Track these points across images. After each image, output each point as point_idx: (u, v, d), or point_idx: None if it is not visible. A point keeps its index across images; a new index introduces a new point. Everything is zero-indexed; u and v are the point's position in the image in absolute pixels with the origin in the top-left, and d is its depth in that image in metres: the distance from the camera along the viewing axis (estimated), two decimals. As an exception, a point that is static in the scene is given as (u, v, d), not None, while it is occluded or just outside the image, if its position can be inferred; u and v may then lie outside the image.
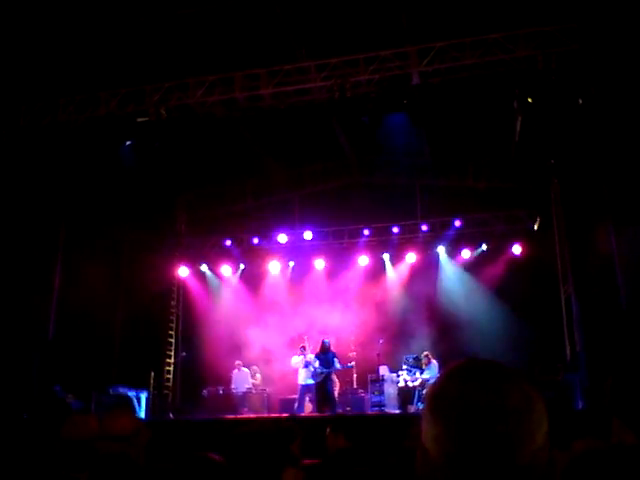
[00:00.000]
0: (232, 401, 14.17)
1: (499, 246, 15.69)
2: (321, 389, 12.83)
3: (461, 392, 1.06)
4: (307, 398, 13.30)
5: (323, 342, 13.26)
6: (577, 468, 1.18)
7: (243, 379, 14.57)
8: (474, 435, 1.01)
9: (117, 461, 2.55)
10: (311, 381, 13.16)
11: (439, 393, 1.09)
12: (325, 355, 13.07)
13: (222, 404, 14.11)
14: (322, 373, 12.85)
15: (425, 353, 13.43)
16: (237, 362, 14.83)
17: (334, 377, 13.22)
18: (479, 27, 10.43)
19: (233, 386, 14.52)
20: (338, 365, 13.08)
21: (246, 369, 14.79)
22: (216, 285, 17.65)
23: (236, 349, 15.48)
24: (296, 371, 13.73)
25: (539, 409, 1.06)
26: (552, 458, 1.08)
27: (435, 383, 1.13)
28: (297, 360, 13.68)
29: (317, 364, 13.00)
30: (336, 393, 13.22)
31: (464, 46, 10.58)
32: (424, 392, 12.56)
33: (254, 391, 14.58)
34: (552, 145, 12.20)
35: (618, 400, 1.76)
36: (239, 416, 13.25)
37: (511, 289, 14.62)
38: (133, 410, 12.76)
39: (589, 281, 12.42)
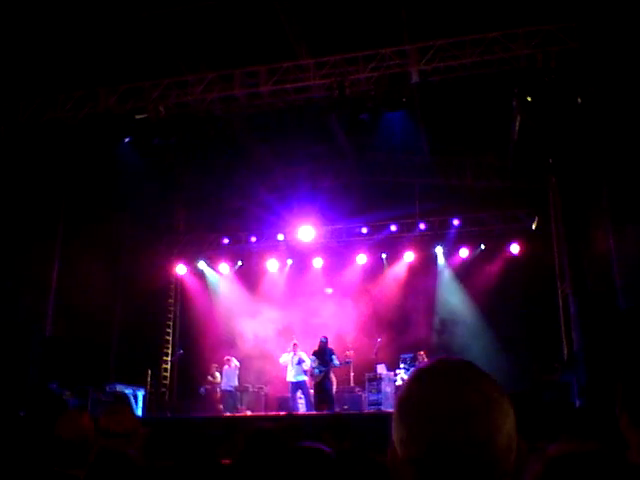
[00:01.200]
0: (230, 399, 14.12)
1: (497, 245, 15.70)
2: (320, 387, 12.79)
3: (423, 395, 1.07)
4: (298, 394, 13.24)
5: (321, 340, 13.22)
6: (552, 472, 1.16)
7: (232, 376, 14.31)
8: (435, 438, 1.03)
9: (115, 459, 2.54)
10: (301, 378, 13.09)
11: (404, 396, 1.11)
12: (323, 353, 13.04)
13: (219, 402, 14.10)
14: (321, 372, 12.82)
15: (420, 352, 13.43)
16: (226, 357, 14.56)
17: (332, 375, 13.20)
18: (479, 25, 10.41)
19: (222, 382, 14.31)
20: (337, 362, 13.05)
21: (237, 362, 14.50)
22: (214, 283, 17.64)
23: (233, 347, 15.46)
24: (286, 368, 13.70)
25: (501, 408, 1.06)
26: (523, 456, 1.08)
27: (402, 386, 1.14)
28: (286, 358, 13.54)
29: (316, 362, 12.96)
30: (333, 391, 13.18)
31: (464, 44, 10.57)
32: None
33: (251, 389, 14.55)
34: (551, 144, 12.18)
35: (627, 404, 1.76)
36: (237, 414, 13.25)
37: (509, 288, 14.63)
38: (131, 408, 12.75)
39: (587, 280, 12.42)
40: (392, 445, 1.11)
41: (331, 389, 12.94)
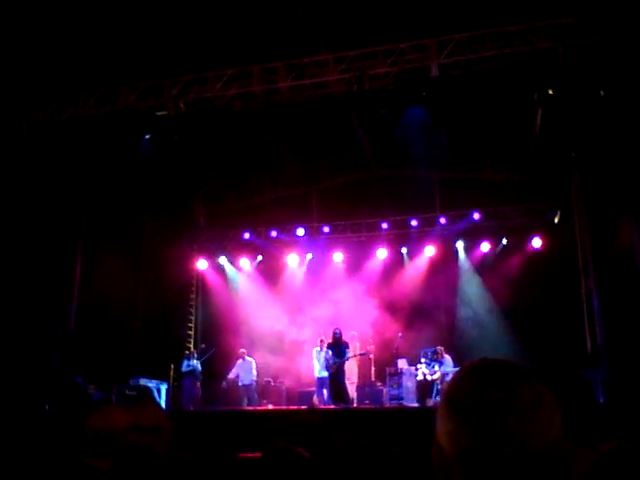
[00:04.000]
0: (247, 393, 14.17)
1: (519, 239, 15.56)
2: (334, 381, 12.77)
3: (474, 389, 1.10)
4: (324, 391, 13.27)
5: (334, 332, 13.17)
6: (605, 467, 1.18)
7: (247, 369, 14.30)
8: (486, 430, 1.05)
9: (139, 452, 2.58)
10: (325, 374, 13.12)
11: (453, 391, 1.14)
12: (338, 345, 13.01)
13: (240, 396, 14.18)
14: (335, 363, 12.79)
15: (439, 347, 13.39)
16: (242, 350, 14.57)
17: (346, 368, 13.13)
18: (499, 19, 10.32)
19: (232, 376, 14.30)
20: (349, 354, 13.03)
21: (250, 358, 14.49)
22: (234, 278, 17.73)
23: (254, 341, 15.54)
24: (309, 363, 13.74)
25: (550, 405, 1.09)
26: (568, 454, 1.10)
27: (450, 381, 1.17)
28: (315, 353, 13.61)
29: (330, 354, 12.93)
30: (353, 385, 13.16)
31: (484, 38, 10.48)
32: (442, 386, 12.55)
33: (273, 383, 14.63)
34: (573, 137, 12.08)
35: None
36: (258, 408, 13.33)
37: (531, 283, 14.50)
38: (158, 402, 12.89)
39: (610, 274, 12.30)
40: (436, 438, 1.14)
41: (345, 382, 12.92)
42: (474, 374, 1.13)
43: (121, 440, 2.85)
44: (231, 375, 14.30)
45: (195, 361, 14.39)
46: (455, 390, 1.13)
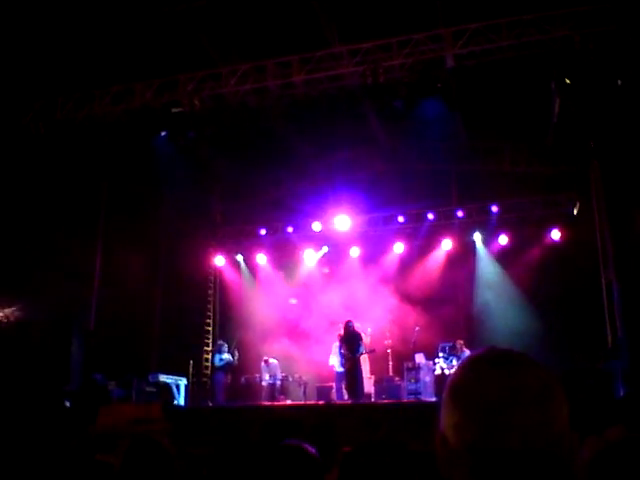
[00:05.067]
0: (269, 389, 14.26)
1: (537, 231, 15.41)
2: (350, 376, 12.46)
3: (480, 380, 1.07)
4: (342, 385, 13.21)
5: (347, 324, 12.84)
6: (608, 455, 1.16)
7: (272, 372, 14.40)
8: (493, 422, 1.03)
9: (148, 446, 2.58)
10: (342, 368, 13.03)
11: (458, 382, 1.11)
12: (351, 338, 12.65)
13: (260, 391, 14.24)
14: (349, 359, 12.50)
15: (459, 341, 13.31)
16: (265, 358, 14.59)
17: (362, 362, 12.89)
18: (514, 7, 10.20)
19: (263, 377, 14.44)
20: (362, 349, 12.71)
21: (274, 360, 14.60)
22: (252, 274, 17.77)
23: (272, 337, 15.57)
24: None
25: (557, 396, 1.07)
26: (574, 445, 1.08)
27: (455, 372, 1.15)
28: (335, 348, 13.58)
29: (344, 349, 12.62)
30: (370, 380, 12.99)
31: (499, 27, 10.36)
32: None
33: (291, 379, 14.66)
34: (591, 127, 11.89)
35: None
36: (276, 403, 13.36)
37: (550, 275, 14.35)
38: (171, 398, 12.98)
39: (630, 266, 12.13)
40: (440, 432, 1.12)
41: (361, 378, 12.58)
42: (479, 365, 1.11)
43: (123, 433, 2.87)
44: (263, 377, 14.41)
45: (226, 355, 14.31)
46: (460, 381, 1.11)
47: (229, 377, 14.44)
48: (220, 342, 15.15)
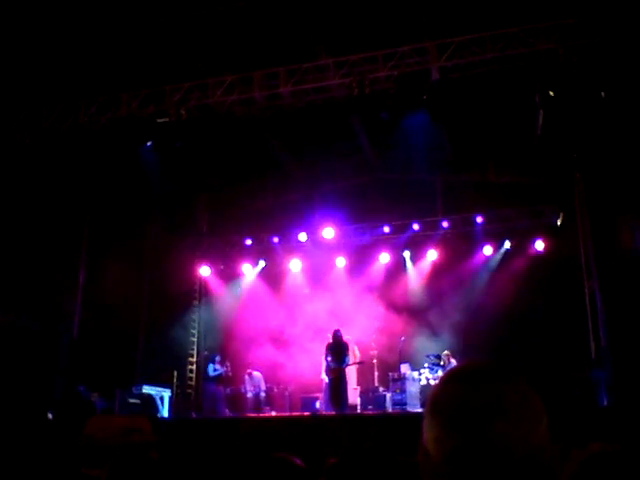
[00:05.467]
0: (254, 400, 14.21)
1: (522, 242, 15.51)
2: (334, 385, 12.39)
3: (459, 394, 1.10)
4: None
5: (335, 333, 12.81)
6: (589, 468, 1.18)
7: (255, 384, 14.41)
8: (472, 434, 1.05)
9: (134, 458, 2.56)
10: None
11: (438, 396, 1.14)
12: (339, 348, 12.61)
13: (244, 403, 14.18)
14: (335, 369, 12.44)
15: (446, 352, 13.34)
16: (248, 370, 14.60)
17: (348, 373, 12.86)
18: (498, 21, 10.33)
19: (247, 389, 14.44)
20: (348, 360, 12.69)
21: (257, 373, 14.59)
22: (237, 284, 17.71)
23: (257, 347, 15.51)
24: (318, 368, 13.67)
25: (535, 408, 1.09)
26: (554, 457, 1.10)
27: (435, 386, 1.17)
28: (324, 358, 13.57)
29: (330, 358, 12.57)
30: (356, 391, 12.94)
31: (484, 40, 10.48)
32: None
33: (276, 389, 14.62)
34: (575, 139, 12.04)
35: None
36: (261, 415, 13.30)
37: (534, 285, 14.45)
38: (155, 409, 12.88)
39: (614, 276, 12.25)
40: (423, 444, 1.14)
41: (345, 389, 12.49)
42: (458, 378, 1.13)
43: (112, 444, 2.84)
44: (247, 389, 14.39)
45: (219, 365, 14.22)
46: (440, 395, 1.13)
47: (221, 389, 14.32)
48: (208, 353, 15.08)
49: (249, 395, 14.29)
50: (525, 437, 1.05)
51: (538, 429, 1.07)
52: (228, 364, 14.37)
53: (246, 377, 14.50)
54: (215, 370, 14.16)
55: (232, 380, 14.78)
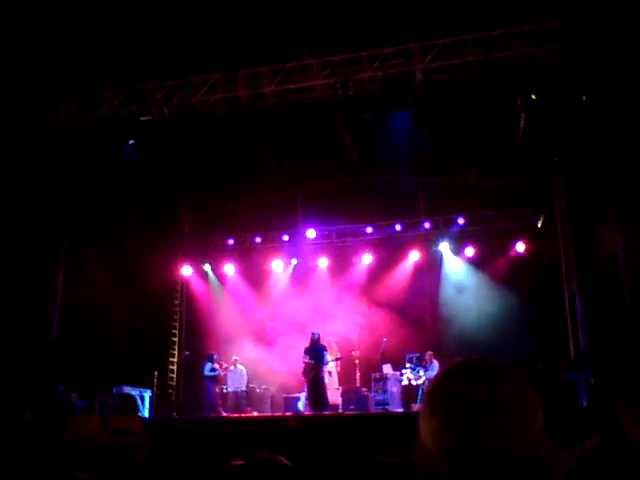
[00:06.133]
0: (234, 398, 14.14)
1: (503, 244, 15.64)
2: (311, 387, 12.61)
3: (457, 388, 1.10)
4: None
5: (312, 335, 13.03)
6: (587, 464, 1.18)
7: (238, 378, 14.33)
8: (471, 428, 1.06)
9: (120, 460, 2.54)
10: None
11: (436, 390, 1.14)
12: (315, 348, 12.85)
13: (225, 403, 14.11)
14: (312, 369, 12.62)
15: (428, 353, 13.41)
16: (234, 358, 14.54)
17: (325, 373, 12.96)
18: (482, 24, 10.39)
19: (229, 384, 14.34)
20: (329, 358, 12.91)
21: (242, 366, 14.50)
22: (219, 284, 17.65)
23: (239, 347, 15.47)
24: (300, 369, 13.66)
25: (532, 402, 1.10)
26: (550, 451, 1.11)
27: (432, 381, 1.18)
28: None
29: (307, 359, 12.78)
30: (328, 390, 12.98)
31: (467, 43, 10.54)
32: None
33: (258, 389, 14.58)
34: (556, 142, 12.17)
35: (631, 401, 1.77)
36: (243, 415, 13.26)
37: (515, 287, 14.58)
38: (136, 410, 12.79)
39: (593, 278, 12.39)
40: (420, 440, 1.14)
41: (324, 389, 12.67)
42: (456, 373, 1.14)
43: (97, 447, 2.81)
44: (229, 384, 14.28)
45: (217, 365, 14.03)
46: (438, 389, 1.14)
47: (217, 389, 14.15)
48: (189, 353, 14.97)
49: (229, 391, 14.17)
50: (523, 430, 1.06)
51: (535, 423, 1.08)
52: (224, 365, 14.26)
53: (230, 369, 14.37)
54: (213, 370, 13.96)
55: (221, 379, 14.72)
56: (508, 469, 1.04)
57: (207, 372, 13.97)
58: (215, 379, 13.96)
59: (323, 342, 13.20)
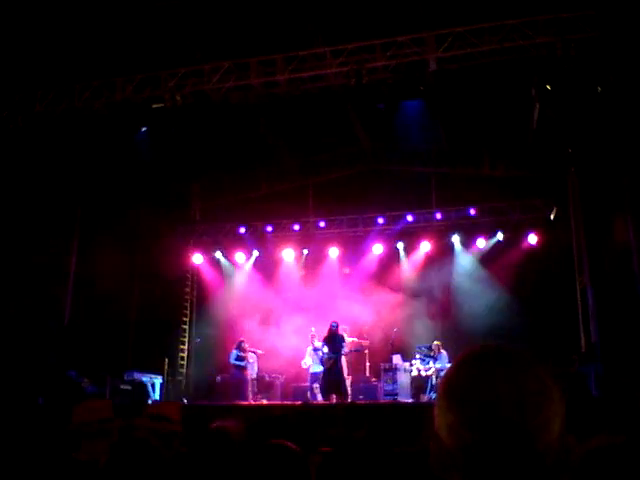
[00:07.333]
0: (245, 388, 14.18)
1: (515, 235, 15.56)
2: (329, 375, 12.55)
3: (476, 380, 1.04)
4: (315, 386, 13.19)
5: (331, 325, 12.95)
6: (594, 460, 1.15)
7: (251, 366, 14.30)
8: (490, 424, 0.99)
9: (136, 444, 2.54)
10: (318, 368, 13.04)
11: (453, 381, 1.07)
12: (333, 339, 12.77)
13: (235, 390, 14.15)
14: (330, 358, 12.58)
15: (436, 343, 13.38)
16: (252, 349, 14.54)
17: (343, 363, 12.93)
18: (497, 12, 10.28)
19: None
20: (346, 349, 12.89)
21: (253, 355, 14.46)
22: (230, 272, 17.69)
23: (249, 336, 15.50)
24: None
25: (556, 397, 1.04)
26: (568, 446, 1.05)
27: (449, 370, 1.11)
28: (309, 349, 13.65)
29: (326, 349, 12.74)
30: (346, 380, 13.00)
31: (482, 32, 10.43)
32: (437, 381, 12.54)
33: (267, 377, 14.61)
34: (570, 133, 12.04)
35: None
36: (253, 403, 13.31)
37: (526, 279, 14.51)
38: (146, 396, 12.88)
39: (605, 271, 12.30)
40: (434, 431, 1.08)
41: (342, 378, 12.63)
42: (474, 363, 1.07)
43: (109, 432, 2.83)
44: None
45: (243, 353, 13.89)
46: (455, 380, 1.07)
47: (249, 377, 14.04)
48: (200, 340, 14.99)
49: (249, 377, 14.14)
50: (545, 426, 1.00)
51: (557, 417, 1.02)
52: (249, 355, 14.14)
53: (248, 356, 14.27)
54: (237, 358, 13.84)
55: (222, 368, 14.75)
56: (527, 465, 0.98)
57: (232, 360, 13.89)
58: (239, 367, 13.90)
59: (341, 331, 13.18)
